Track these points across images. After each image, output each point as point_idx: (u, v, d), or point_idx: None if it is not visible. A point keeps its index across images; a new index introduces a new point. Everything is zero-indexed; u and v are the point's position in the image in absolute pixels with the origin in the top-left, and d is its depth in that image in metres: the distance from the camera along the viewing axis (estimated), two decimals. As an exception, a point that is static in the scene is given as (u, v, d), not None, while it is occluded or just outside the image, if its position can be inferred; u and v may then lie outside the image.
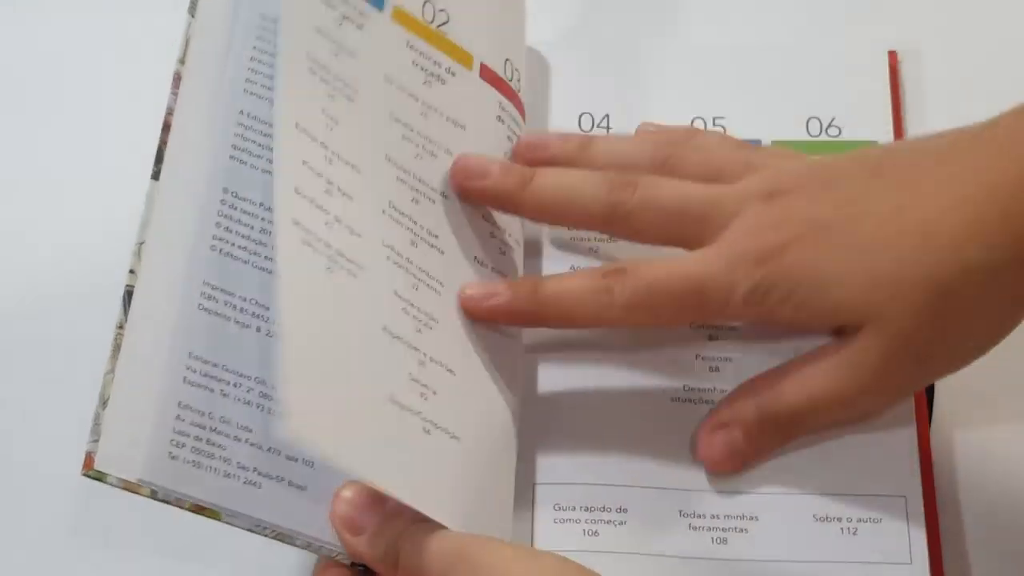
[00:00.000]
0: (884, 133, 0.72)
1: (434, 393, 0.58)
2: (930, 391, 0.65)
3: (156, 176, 0.59)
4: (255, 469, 0.57)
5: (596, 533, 0.61)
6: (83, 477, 0.54)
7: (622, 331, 0.66)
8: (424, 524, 0.55)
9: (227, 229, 0.59)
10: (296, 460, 0.57)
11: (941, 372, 0.61)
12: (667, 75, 0.74)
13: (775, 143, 0.72)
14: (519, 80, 0.70)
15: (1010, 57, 0.77)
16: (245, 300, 0.59)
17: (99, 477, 0.54)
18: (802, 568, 0.61)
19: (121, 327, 0.56)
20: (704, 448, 0.63)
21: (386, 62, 0.64)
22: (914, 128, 0.74)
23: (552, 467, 0.63)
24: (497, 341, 0.63)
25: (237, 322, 0.58)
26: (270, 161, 0.58)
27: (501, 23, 0.70)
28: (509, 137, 0.68)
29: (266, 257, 0.59)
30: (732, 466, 0.63)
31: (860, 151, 0.63)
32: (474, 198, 0.64)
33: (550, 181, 0.63)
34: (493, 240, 0.66)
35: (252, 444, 0.57)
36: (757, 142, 0.71)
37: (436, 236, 0.63)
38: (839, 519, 0.62)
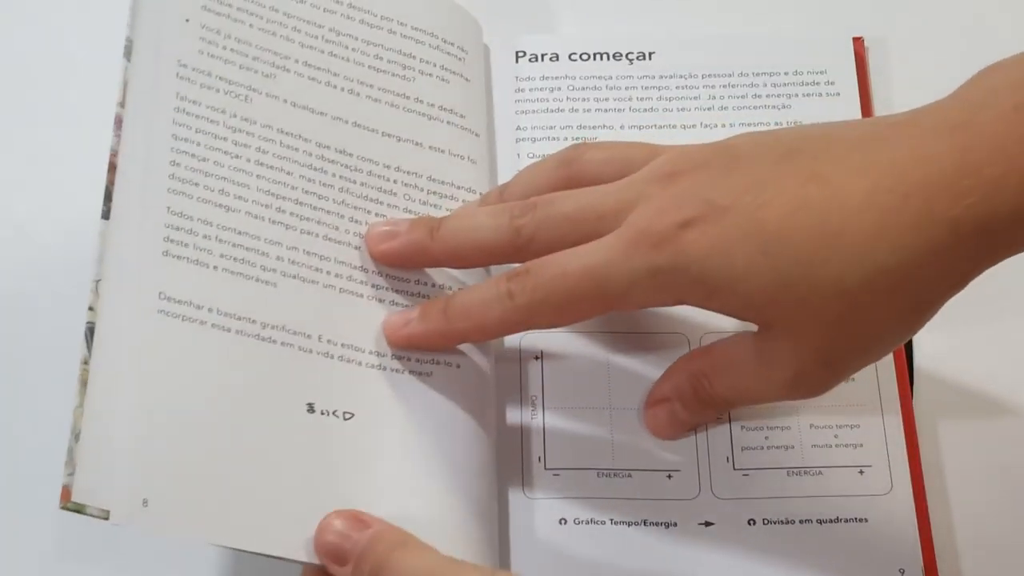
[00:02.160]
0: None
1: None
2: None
3: (106, 216, 0.58)
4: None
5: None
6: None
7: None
8: (404, 549, 0.55)
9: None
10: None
11: (853, 371, 0.59)
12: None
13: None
14: None
15: (981, 45, 0.75)
16: None
17: (78, 509, 0.53)
18: None
19: (86, 363, 0.55)
20: (648, 420, 0.64)
21: None
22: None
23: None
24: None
25: None
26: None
27: None
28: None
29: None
30: (675, 434, 0.64)
31: (771, 132, 0.59)
32: (391, 260, 0.63)
33: (455, 223, 0.62)
34: None
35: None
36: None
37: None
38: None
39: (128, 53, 0.62)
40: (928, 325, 0.56)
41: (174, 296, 0.58)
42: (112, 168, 0.59)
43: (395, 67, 0.68)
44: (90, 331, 0.56)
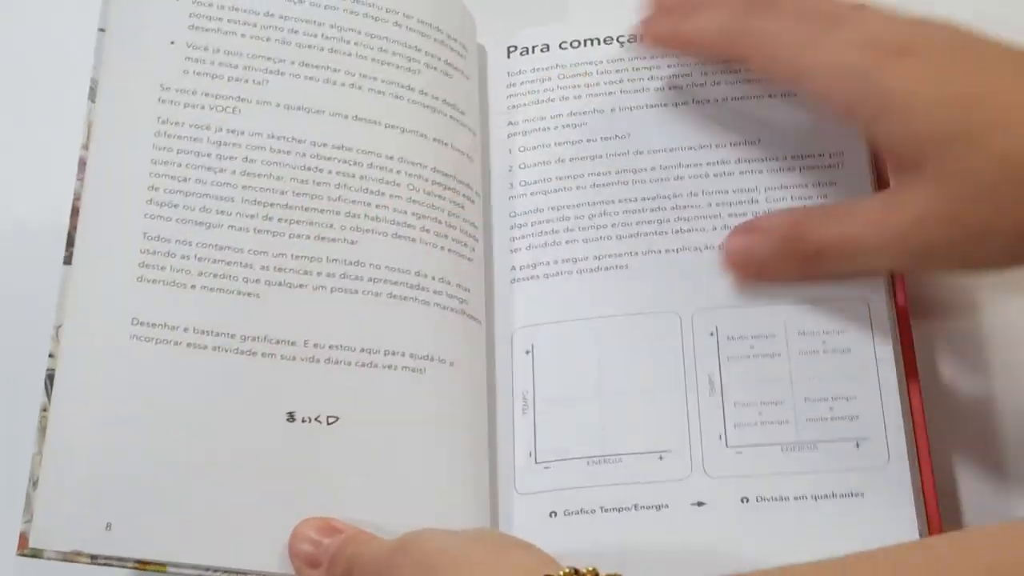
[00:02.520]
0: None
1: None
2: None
3: (68, 260, 0.61)
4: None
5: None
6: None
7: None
8: (373, 542, 0.57)
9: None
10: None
11: (966, 260, 0.60)
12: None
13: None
14: None
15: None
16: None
17: (35, 554, 0.56)
18: None
19: (45, 410, 0.58)
20: (729, 243, 0.66)
21: None
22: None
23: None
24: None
25: None
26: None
27: None
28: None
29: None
30: (745, 272, 0.65)
31: None
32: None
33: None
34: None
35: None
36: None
37: None
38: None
39: (93, 95, 0.64)
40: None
41: (147, 320, 0.61)
42: (75, 212, 0.62)
43: (400, 59, 0.69)
44: (50, 378, 0.59)
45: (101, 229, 0.62)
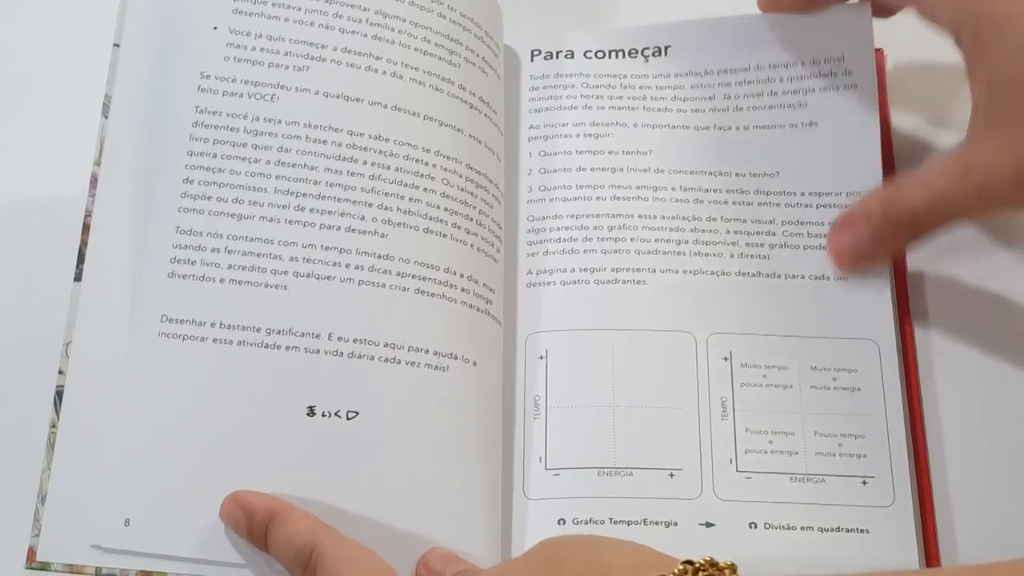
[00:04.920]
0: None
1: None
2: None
3: (78, 278, 0.65)
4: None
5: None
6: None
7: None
8: None
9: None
10: None
11: None
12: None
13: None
14: None
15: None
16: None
17: (43, 567, 0.60)
18: None
19: (54, 426, 0.62)
20: (831, 244, 0.71)
21: None
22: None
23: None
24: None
25: None
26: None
27: None
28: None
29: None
30: (855, 261, 0.70)
31: None
32: None
33: None
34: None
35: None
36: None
37: None
38: None
39: (106, 111, 0.67)
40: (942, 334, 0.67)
41: (176, 316, 0.64)
42: (86, 229, 0.65)
43: (442, 51, 0.72)
44: (59, 395, 0.63)
45: (128, 228, 0.65)
